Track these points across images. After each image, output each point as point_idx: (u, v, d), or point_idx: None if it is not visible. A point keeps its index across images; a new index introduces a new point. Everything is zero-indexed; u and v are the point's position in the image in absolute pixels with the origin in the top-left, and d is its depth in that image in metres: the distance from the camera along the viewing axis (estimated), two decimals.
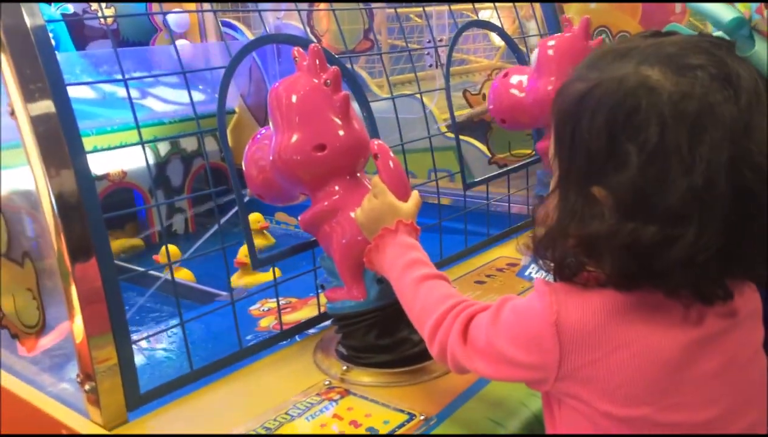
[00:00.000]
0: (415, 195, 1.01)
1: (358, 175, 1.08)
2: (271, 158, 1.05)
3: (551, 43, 1.41)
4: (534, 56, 1.42)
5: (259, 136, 1.14)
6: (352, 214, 1.02)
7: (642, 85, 0.62)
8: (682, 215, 0.61)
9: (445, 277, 0.90)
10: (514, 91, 1.44)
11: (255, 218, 2.87)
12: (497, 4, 1.89)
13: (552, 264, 0.72)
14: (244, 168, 1.14)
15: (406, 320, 1.06)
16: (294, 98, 1.03)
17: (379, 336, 1.08)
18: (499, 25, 1.78)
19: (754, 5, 0.66)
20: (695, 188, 0.59)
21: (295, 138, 1.02)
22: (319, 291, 1.22)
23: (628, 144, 0.62)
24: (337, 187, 1.06)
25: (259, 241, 2.82)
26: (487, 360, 0.76)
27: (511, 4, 1.96)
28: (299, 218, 1.11)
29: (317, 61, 1.03)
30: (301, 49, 1.06)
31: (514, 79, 1.45)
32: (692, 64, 0.62)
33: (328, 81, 1.02)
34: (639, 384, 0.66)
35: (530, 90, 1.40)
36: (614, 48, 0.68)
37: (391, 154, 1.02)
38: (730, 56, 0.63)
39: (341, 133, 1.03)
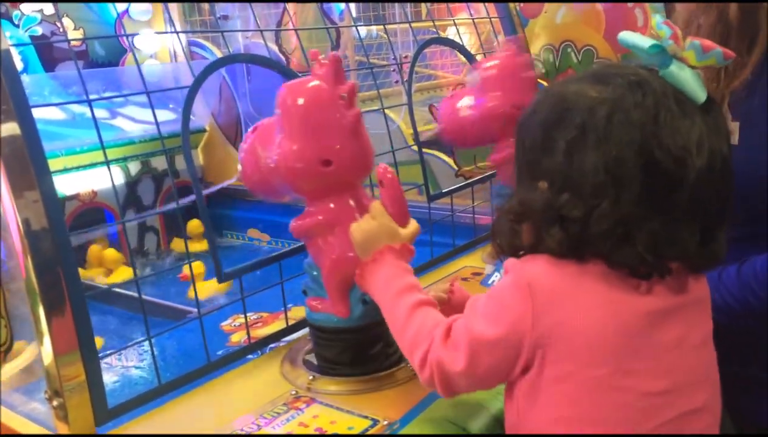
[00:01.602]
0: (414, 222, 1.02)
1: (359, 191, 1.07)
2: (274, 160, 1.03)
3: (489, 63, 1.48)
4: (475, 77, 1.49)
5: (260, 126, 1.10)
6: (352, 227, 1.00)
7: (572, 94, 0.78)
8: (598, 188, 0.73)
9: (435, 304, 0.92)
10: (460, 111, 1.50)
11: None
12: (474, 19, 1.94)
13: (505, 246, 0.83)
14: (240, 158, 1.11)
15: (384, 338, 1.08)
16: (309, 106, 1.00)
17: (356, 350, 1.10)
18: (460, 42, 1.83)
19: (668, 33, 0.79)
20: (608, 163, 0.73)
21: (303, 148, 1.00)
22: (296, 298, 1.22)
23: (557, 137, 0.77)
24: (335, 202, 1.05)
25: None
26: (466, 352, 0.79)
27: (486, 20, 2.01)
28: (291, 222, 1.09)
29: (336, 72, 1.00)
30: (318, 53, 1.03)
31: (459, 99, 1.51)
32: (611, 74, 0.78)
33: (344, 95, 1.00)
34: (599, 345, 0.74)
35: (473, 108, 1.46)
36: (561, 80, 0.85)
37: (397, 182, 1.01)
38: (644, 70, 0.78)
39: (350, 151, 1.01)
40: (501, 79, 1.43)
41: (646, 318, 0.76)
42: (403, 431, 0.96)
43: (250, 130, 1.11)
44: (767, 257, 1.00)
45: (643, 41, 0.79)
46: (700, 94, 0.77)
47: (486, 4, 1.97)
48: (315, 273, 1.10)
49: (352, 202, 1.06)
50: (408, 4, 3.53)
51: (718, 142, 0.76)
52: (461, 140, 1.58)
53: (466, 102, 1.49)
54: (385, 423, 0.98)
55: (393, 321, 0.92)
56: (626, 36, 0.82)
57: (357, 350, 1.10)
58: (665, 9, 2.33)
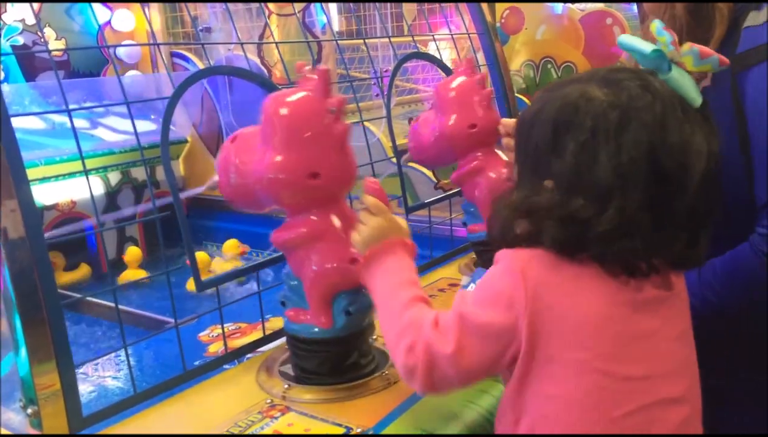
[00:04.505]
0: (404, 221, 1.02)
1: (342, 204, 1.08)
2: (258, 171, 1.01)
3: (443, 85, 1.52)
4: (433, 99, 1.53)
5: (240, 135, 1.08)
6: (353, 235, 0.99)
7: (581, 96, 0.80)
8: (607, 191, 0.75)
9: (432, 305, 0.91)
10: (422, 133, 1.53)
11: (233, 244, 2.90)
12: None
13: (499, 238, 0.85)
14: (217, 167, 1.09)
15: (359, 348, 1.10)
16: (299, 118, 0.99)
17: (335, 362, 1.11)
18: (439, 57, 1.86)
19: (669, 39, 0.82)
20: (621, 166, 0.75)
21: (290, 160, 0.99)
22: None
23: (567, 138, 0.78)
24: (318, 214, 1.04)
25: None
26: (456, 335, 0.80)
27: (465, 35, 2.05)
28: (272, 233, 1.07)
29: (325, 85, 0.99)
30: (304, 65, 1.03)
31: (422, 123, 1.55)
32: (620, 79, 0.79)
33: (334, 109, 0.99)
34: (583, 330, 0.78)
35: (433, 129, 1.50)
36: (562, 80, 0.86)
37: (384, 194, 1.00)
38: (650, 75, 0.81)
39: (337, 164, 1.01)
40: (456, 100, 1.48)
41: (627, 307, 0.79)
42: None
43: (227, 139, 1.09)
44: (728, 255, 1.03)
45: (643, 45, 0.82)
46: (698, 99, 0.79)
47: (465, 19, 2.00)
48: (294, 283, 1.10)
49: (335, 215, 1.06)
50: (389, 20, 3.57)
51: (715, 145, 0.79)
52: (427, 160, 1.63)
53: (427, 124, 1.53)
54: (359, 431, 0.99)
55: (387, 307, 0.91)
56: (626, 39, 0.84)
57: (336, 361, 1.11)
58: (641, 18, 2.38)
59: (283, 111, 1.00)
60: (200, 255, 2.81)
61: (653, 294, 0.82)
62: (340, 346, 1.11)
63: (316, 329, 1.08)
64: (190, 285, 2.43)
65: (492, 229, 0.87)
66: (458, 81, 1.50)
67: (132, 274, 2.90)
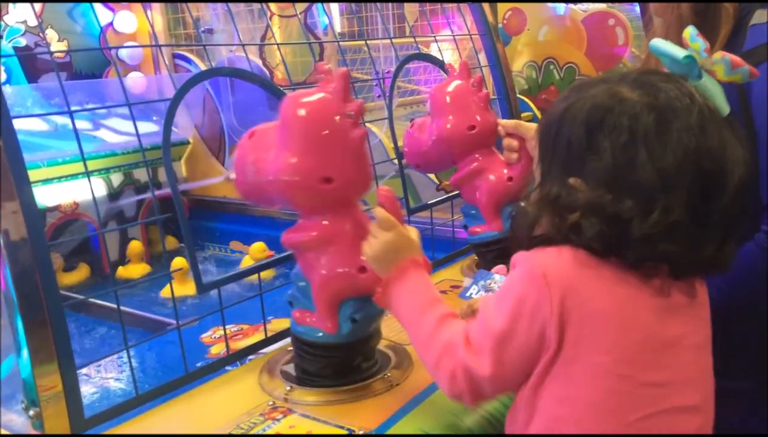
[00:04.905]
0: (414, 229, 1.00)
1: (355, 208, 1.07)
2: (272, 171, 1.00)
3: (439, 89, 1.51)
4: (428, 103, 1.53)
5: (258, 131, 1.06)
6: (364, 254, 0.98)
7: (614, 96, 0.79)
8: (651, 192, 0.75)
9: (457, 317, 0.91)
10: (419, 137, 1.53)
11: (260, 247, 2.89)
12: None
13: (524, 237, 0.83)
14: (236, 159, 1.07)
15: (363, 353, 1.10)
16: (315, 121, 0.98)
17: (337, 365, 1.11)
18: (441, 58, 1.86)
19: (703, 46, 0.82)
20: (665, 168, 0.74)
21: (303, 163, 0.98)
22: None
23: (603, 139, 0.77)
24: (330, 218, 1.03)
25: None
26: (490, 353, 0.79)
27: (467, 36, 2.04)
28: (283, 234, 1.07)
29: (345, 89, 0.98)
30: (326, 67, 1.01)
31: (417, 127, 1.55)
32: (654, 81, 0.79)
33: (352, 113, 0.98)
34: (605, 333, 0.77)
35: (430, 133, 1.49)
36: (588, 80, 0.85)
37: (396, 201, 0.99)
38: (683, 80, 0.80)
39: (352, 170, 1.00)
40: (453, 103, 1.47)
41: (652, 312, 0.79)
42: None
43: (245, 134, 1.07)
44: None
45: (676, 51, 0.82)
46: (726, 108, 0.80)
47: (467, 21, 2.00)
48: (302, 284, 1.09)
49: (348, 220, 1.04)
50: (391, 21, 3.57)
51: (747, 152, 0.79)
52: (424, 164, 1.62)
53: (423, 129, 1.53)
54: (361, 433, 0.99)
55: (418, 337, 0.90)
56: (659, 43, 0.84)
57: (339, 365, 1.11)
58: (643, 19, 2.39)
59: (300, 112, 0.99)
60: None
61: (678, 300, 0.81)
62: (344, 352, 1.11)
63: (321, 333, 1.08)
64: (165, 291, 2.48)
65: (518, 227, 0.86)
66: (454, 84, 1.50)
67: (134, 270, 2.91)
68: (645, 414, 0.78)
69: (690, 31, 0.83)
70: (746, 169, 0.78)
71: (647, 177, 0.75)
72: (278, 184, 1.01)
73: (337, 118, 0.97)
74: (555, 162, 0.83)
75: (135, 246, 3.02)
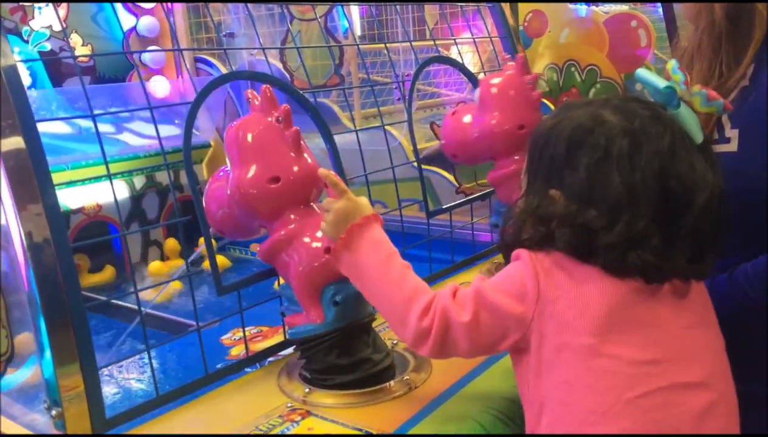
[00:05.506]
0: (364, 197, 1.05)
1: (312, 204, 1.14)
2: (228, 192, 1.11)
3: (492, 81, 1.48)
4: (477, 94, 1.50)
5: (219, 175, 1.19)
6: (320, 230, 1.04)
7: (596, 118, 0.87)
8: (618, 205, 0.82)
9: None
10: (462, 127, 1.51)
11: None
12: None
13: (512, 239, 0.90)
14: (204, 205, 1.18)
15: (366, 340, 1.11)
16: (248, 136, 1.11)
17: (340, 356, 1.12)
18: (461, 61, 1.86)
19: (683, 79, 0.89)
20: (632, 184, 0.82)
21: (250, 172, 1.10)
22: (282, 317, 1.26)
23: (582, 155, 0.85)
24: (292, 217, 1.12)
25: None
26: (473, 307, 0.87)
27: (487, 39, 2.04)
28: (258, 249, 1.16)
29: (268, 101, 1.11)
30: (254, 92, 1.14)
31: (462, 116, 1.52)
32: (633, 108, 0.87)
33: (280, 118, 1.10)
34: (587, 317, 0.82)
35: (475, 125, 1.47)
36: (577, 101, 0.93)
37: (336, 177, 1.04)
38: (661, 108, 0.88)
39: (294, 165, 1.10)
40: (505, 98, 1.45)
41: (632, 295, 0.83)
42: None
43: (209, 180, 1.20)
44: (761, 258, 1.01)
45: (658, 81, 0.89)
46: (699, 136, 0.87)
47: (488, 24, 1.99)
48: (288, 292, 1.16)
49: (308, 213, 1.13)
50: (410, 24, 3.57)
51: (718, 177, 0.86)
52: (462, 156, 1.60)
53: (468, 118, 1.50)
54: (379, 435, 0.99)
55: (386, 277, 0.95)
56: (643, 73, 0.91)
57: (340, 350, 1.12)
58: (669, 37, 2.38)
59: (235, 134, 1.12)
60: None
61: (664, 288, 0.85)
62: (338, 338, 1.12)
63: (311, 326, 1.12)
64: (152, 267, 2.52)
65: (506, 233, 0.93)
66: (510, 79, 1.47)
67: (161, 267, 2.98)
68: (643, 391, 0.81)
69: (672, 64, 0.90)
70: (716, 193, 0.85)
71: (615, 192, 0.82)
72: (234, 199, 1.11)
73: (265, 126, 1.11)
74: (539, 173, 0.91)
75: (171, 243, 3.11)
